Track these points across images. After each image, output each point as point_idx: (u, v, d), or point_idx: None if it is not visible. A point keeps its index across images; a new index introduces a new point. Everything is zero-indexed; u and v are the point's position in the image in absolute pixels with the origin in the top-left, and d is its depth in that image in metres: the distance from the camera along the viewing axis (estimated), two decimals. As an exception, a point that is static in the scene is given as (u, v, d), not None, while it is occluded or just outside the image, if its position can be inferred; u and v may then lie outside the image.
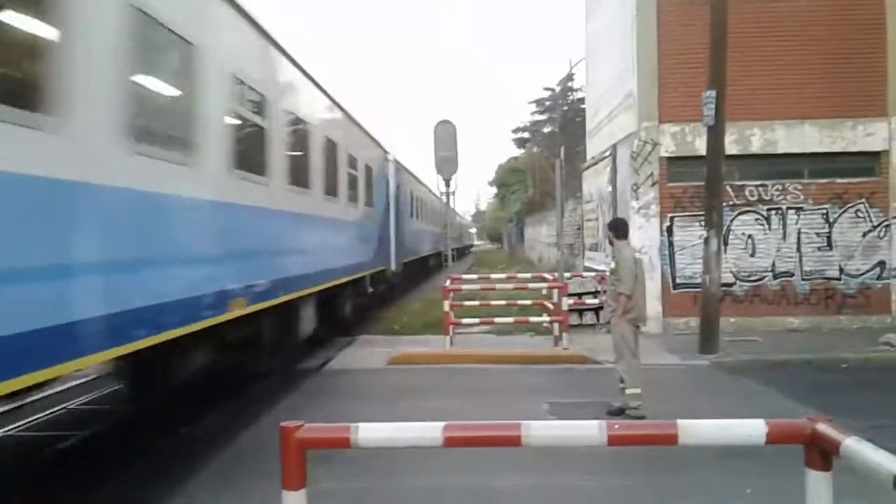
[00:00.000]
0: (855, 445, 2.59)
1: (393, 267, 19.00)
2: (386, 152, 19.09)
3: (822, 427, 2.78)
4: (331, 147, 12.04)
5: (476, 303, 14.22)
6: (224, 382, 9.27)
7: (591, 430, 2.99)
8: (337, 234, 12.77)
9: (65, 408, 9.11)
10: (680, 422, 2.93)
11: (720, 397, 9.37)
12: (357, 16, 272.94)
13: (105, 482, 6.40)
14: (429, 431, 2.99)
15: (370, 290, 16.24)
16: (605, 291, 10.47)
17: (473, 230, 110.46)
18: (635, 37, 15.11)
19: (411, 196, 24.95)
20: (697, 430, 2.94)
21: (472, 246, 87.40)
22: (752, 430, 2.91)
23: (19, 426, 8.23)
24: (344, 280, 12.92)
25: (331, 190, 11.95)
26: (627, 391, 8.08)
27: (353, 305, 15.03)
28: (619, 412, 8.05)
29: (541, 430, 3.03)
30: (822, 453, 2.77)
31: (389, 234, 18.68)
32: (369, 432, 3.00)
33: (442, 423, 2.97)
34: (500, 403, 8.69)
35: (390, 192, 19.22)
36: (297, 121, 10.01)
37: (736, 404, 8.76)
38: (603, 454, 5.90)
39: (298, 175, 9.89)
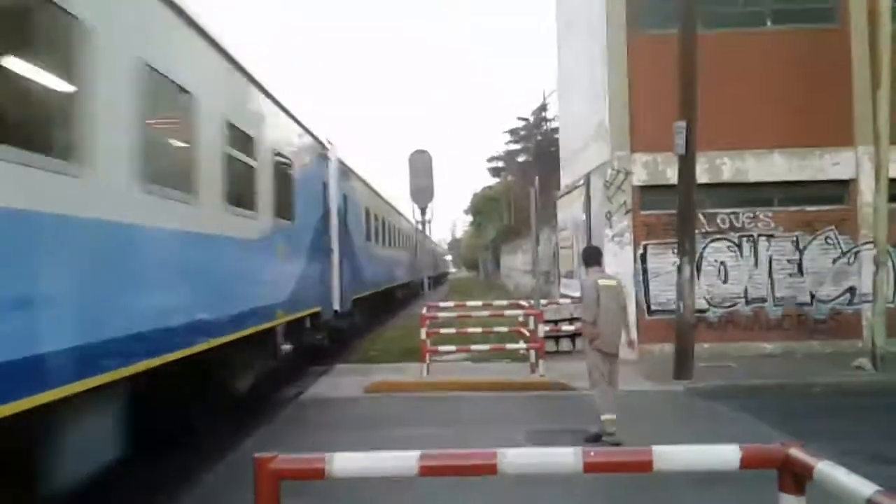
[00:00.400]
0: (828, 470, 2.62)
1: (336, 306, 14.64)
2: (323, 145, 14.47)
3: (795, 452, 2.80)
4: (188, 105, 7.37)
5: (453, 330, 14.21)
6: (193, 415, 9.15)
7: (566, 457, 2.99)
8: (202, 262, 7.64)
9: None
10: (655, 448, 2.95)
11: (695, 423, 9.40)
12: (332, 42, 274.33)
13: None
14: (404, 461, 2.98)
15: (284, 347, 11.08)
16: (578, 318, 10.57)
17: (449, 257, 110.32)
18: (606, 68, 15.33)
19: (367, 213, 20.22)
20: (672, 456, 2.96)
21: (447, 274, 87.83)
22: (726, 455, 2.94)
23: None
24: (225, 339, 8.01)
25: (180, 182, 7.15)
26: (602, 417, 8.09)
27: (257, 375, 10.19)
28: (595, 438, 8.05)
29: (517, 457, 3.03)
30: (796, 478, 2.79)
31: (332, 262, 14.36)
32: (344, 462, 2.98)
33: (417, 452, 2.95)
34: (477, 432, 8.66)
35: (331, 203, 14.55)
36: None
37: (711, 430, 8.79)
38: (579, 481, 5.88)
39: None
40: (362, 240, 19.15)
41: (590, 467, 2.94)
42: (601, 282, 8.33)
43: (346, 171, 16.41)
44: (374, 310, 22.39)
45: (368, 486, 5.98)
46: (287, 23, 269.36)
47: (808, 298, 14.82)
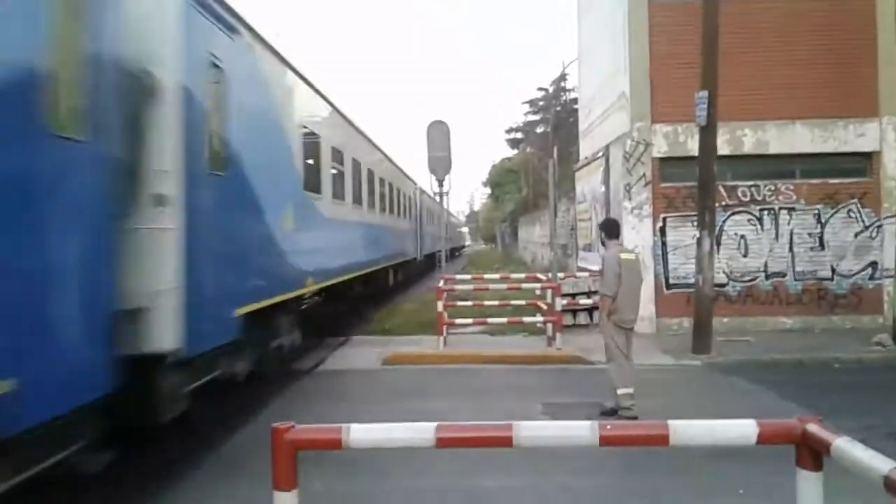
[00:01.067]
0: (845, 445, 2.60)
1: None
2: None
3: (813, 427, 2.78)
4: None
5: (469, 303, 14.22)
6: (215, 384, 9.22)
7: (582, 430, 2.99)
8: None
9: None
10: (671, 422, 2.94)
11: (713, 398, 9.39)
12: (349, 15, 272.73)
13: (90, 489, 6.36)
14: (421, 432, 2.99)
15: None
16: (597, 291, 10.52)
17: (465, 229, 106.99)
18: (627, 37, 15.14)
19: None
20: (688, 430, 2.95)
21: (463, 247, 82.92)
22: (743, 430, 2.92)
23: None
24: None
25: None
26: (619, 391, 8.08)
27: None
28: (611, 412, 8.05)
29: (532, 430, 3.03)
30: (813, 453, 2.77)
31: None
32: (361, 433, 3.00)
33: (434, 424, 2.97)
34: (493, 404, 8.69)
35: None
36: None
37: (729, 405, 8.78)
38: (595, 455, 5.90)
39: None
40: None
41: (606, 441, 2.94)
42: (622, 255, 8.29)
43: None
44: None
45: (382, 457, 6.06)
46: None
47: (828, 273, 14.68)
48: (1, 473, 3.91)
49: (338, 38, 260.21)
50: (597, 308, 13.60)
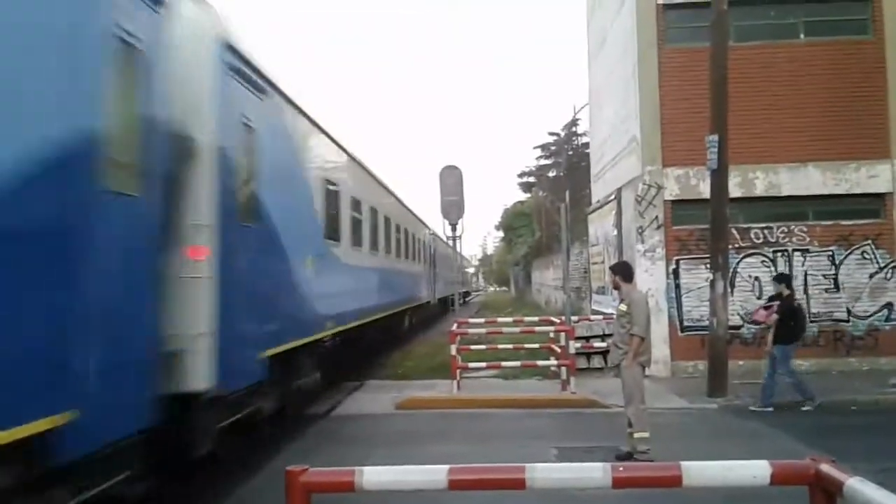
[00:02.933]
0: (858, 486, 2.60)
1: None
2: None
3: (826, 468, 2.79)
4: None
5: (483, 346, 14.17)
6: (230, 428, 9.22)
7: (595, 472, 3.00)
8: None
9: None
10: (684, 463, 2.95)
11: (728, 440, 9.29)
12: (362, 57, 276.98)
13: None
14: (434, 474, 3.01)
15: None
16: (611, 334, 10.46)
17: (471, 269, 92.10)
18: (637, 82, 15.32)
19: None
20: (701, 471, 2.95)
21: (468, 294, 63.73)
22: (756, 471, 2.93)
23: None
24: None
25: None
26: (636, 435, 8.03)
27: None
28: (627, 457, 7.99)
29: (545, 472, 3.05)
30: (827, 494, 2.78)
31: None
32: (374, 475, 3.02)
33: (446, 466, 2.99)
34: (507, 448, 8.64)
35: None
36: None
37: (744, 447, 8.67)
38: (611, 500, 5.84)
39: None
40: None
41: (619, 482, 2.95)
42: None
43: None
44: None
45: (396, 500, 6.02)
46: (318, 35, 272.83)
47: (844, 314, 14.59)
48: (60, 497, 4.34)
49: (351, 83, 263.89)
50: (609, 351, 13.56)
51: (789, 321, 11.17)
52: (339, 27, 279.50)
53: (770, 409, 10.98)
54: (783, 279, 11.84)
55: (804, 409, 10.96)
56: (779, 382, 11.19)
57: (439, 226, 23.75)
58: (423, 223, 26.50)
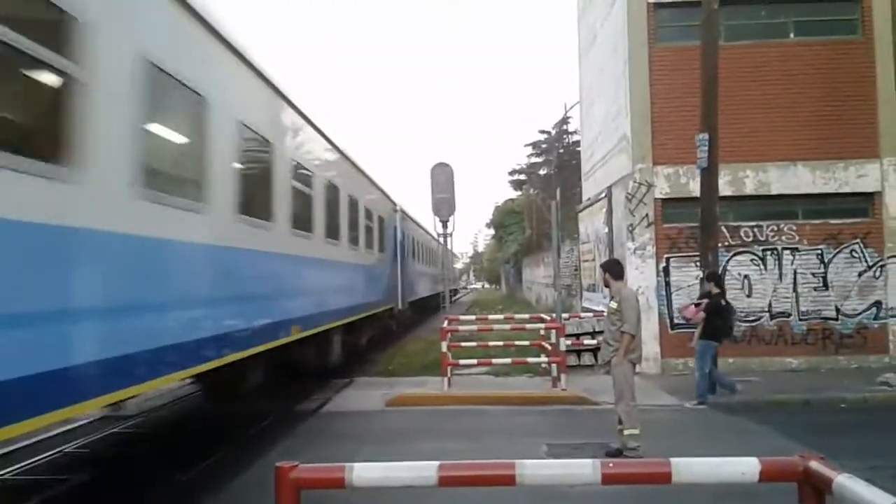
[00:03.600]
0: (847, 482, 2.61)
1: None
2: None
3: (815, 464, 2.80)
4: None
5: (474, 344, 14.15)
6: (220, 427, 9.23)
7: (584, 468, 3.00)
8: None
9: (61, 451, 9.02)
10: (673, 460, 2.95)
11: (719, 438, 9.32)
12: (352, 56, 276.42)
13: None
14: (424, 471, 3.01)
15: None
16: (602, 332, 10.47)
17: (459, 265, 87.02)
18: (628, 80, 15.35)
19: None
20: (691, 468, 2.96)
21: (456, 292, 56.71)
22: (745, 467, 2.94)
23: (17, 468, 8.17)
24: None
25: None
26: (626, 432, 8.04)
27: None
28: (617, 453, 8.01)
29: (535, 468, 3.05)
30: (815, 491, 2.79)
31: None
32: (364, 472, 3.01)
33: (436, 463, 2.98)
34: (498, 445, 8.64)
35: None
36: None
37: (734, 445, 8.70)
38: (601, 497, 5.86)
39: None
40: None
41: (608, 479, 2.95)
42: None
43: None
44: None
45: (385, 497, 6.02)
46: (307, 32, 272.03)
47: (833, 313, 14.66)
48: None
49: (341, 78, 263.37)
50: (599, 348, 13.60)
51: (716, 319, 11.37)
52: (330, 24, 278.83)
53: (704, 405, 11.13)
54: (712, 278, 12.01)
55: (688, 404, 11.27)
56: (713, 377, 11.56)
57: (428, 219, 20.50)
58: (387, 195, 19.58)
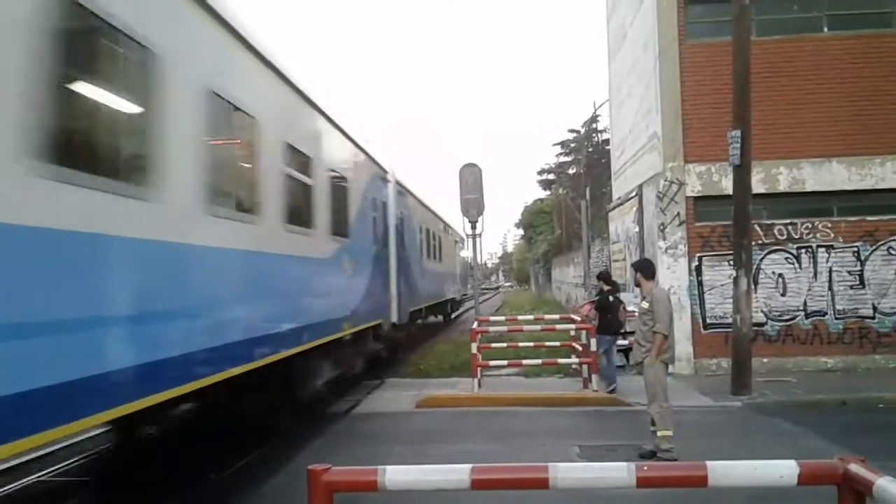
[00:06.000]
0: (888, 485, 2.56)
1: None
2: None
3: (855, 467, 2.74)
4: None
5: (504, 345, 14.12)
6: (252, 428, 9.28)
7: (619, 471, 2.97)
8: None
9: (97, 452, 9.15)
10: (710, 463, 2.91)
11: (753, 439, 9.20)
12: (381, 57, 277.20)
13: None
14: (456, 473, 3.00)
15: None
16: (633, 332, 10.39)
17: (464, 252, 70.55)
18: (658, 78, 15.21)
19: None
20: (728, 471, 2.91)
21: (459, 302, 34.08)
22: (783, 470, 2.89)
23: (49, 472, 8.29)
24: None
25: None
26: (659, 433, 7.97)
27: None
28: (650, 455, 7.93)
29: (569, 472, 3.02)
30: (856, 494, 2.73)
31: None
32: (397, 475, 3.01)
33: (469, 466, 2.97)
34: (529, 447, 8.61)
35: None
36: None
37: (769, 446, 8.59)
38: (634, 499, 5.79)
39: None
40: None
41: (643, 482, 2.92)
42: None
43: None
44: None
45: (418, 499, 6.01)
46: (336, 35, 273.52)
47: (870, 311, 14.40)
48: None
49: (372, 81, 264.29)
50: (631, 349, 13.49)
51: (606, 315, 12.31)
52: (360, 25, 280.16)
53: (612, 388, 12.00)
54: (602, 276, 13.17)
55: (603, 392, 11.96)
56: (611, 364, 12.43)
57: (458, 222, 18.68)
58: (372, 158, 13.48)
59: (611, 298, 12.39)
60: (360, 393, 12.95)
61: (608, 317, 12.27)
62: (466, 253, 29.68)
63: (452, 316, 28.70)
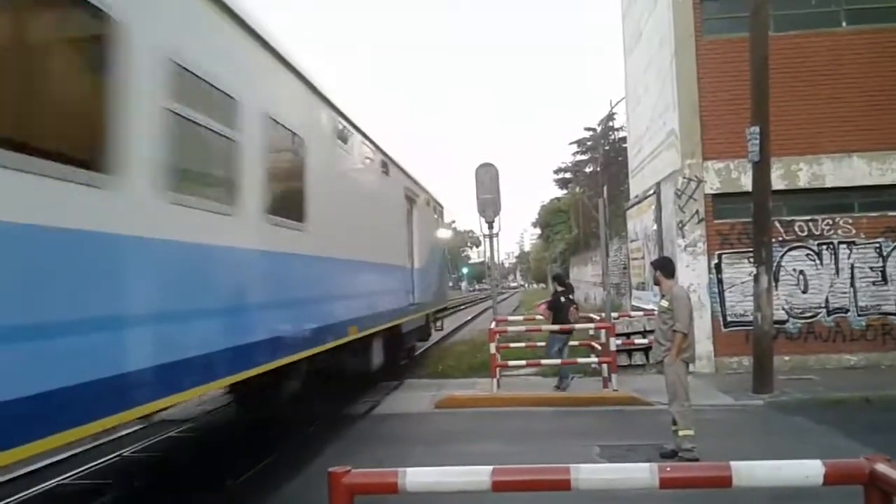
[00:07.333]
0: (917, 486, 2.51)
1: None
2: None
3: (882, 467, 2.70)
4: None
5: (522, 344, 14.07)
6: (270, 431, 9.33)
7: (642, 472, 2.95)
8: None
9: (119, 455, 9.21)
10: (734, 463, 2.88)
11: (776, 438, 9.11)
12: (400, 57, 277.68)
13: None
14: (477, 475, 2.98)
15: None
16: (653, 330, 10.32)
17: (444, 232, 58.38)
18: (675, 75, 15.12)
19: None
20: (752, 471, 2.88)
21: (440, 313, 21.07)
22: (808, 470, 2.85)
23: (72, 475, 8.36)
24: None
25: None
26: (681, 433, 7.91)
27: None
28: (672, 455, 7.88)
29: (590, 473, 3.00)
30: (882, 494, 2.69)
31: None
32: (417, 476, 3.00)
33: (489, 467, 2.96)
34: (549, 447, 8.58)
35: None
36: None
37: (793, 445, 8.51)
38: (657, 500, 5.75)
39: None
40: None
41: (666, 483, 2.89)
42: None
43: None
44: None
45: (439, 501, 6.01)
46: (354, 34, 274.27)
47: (893, 307, 14.22)
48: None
49: (387, 81, 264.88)
50: (651, 348, 13.41)
51: (557, 314, 12.88)
52: (376, 25, 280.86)
53: (567, 383, 12.53)
54: (556, 277, 14.34)
55: (559, 387, 12.43)
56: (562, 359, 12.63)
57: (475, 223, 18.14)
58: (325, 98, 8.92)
59: (562, 299, 13.00)
60: (379, 394, 12.97)
61: (559, 316, 12.78)
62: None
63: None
